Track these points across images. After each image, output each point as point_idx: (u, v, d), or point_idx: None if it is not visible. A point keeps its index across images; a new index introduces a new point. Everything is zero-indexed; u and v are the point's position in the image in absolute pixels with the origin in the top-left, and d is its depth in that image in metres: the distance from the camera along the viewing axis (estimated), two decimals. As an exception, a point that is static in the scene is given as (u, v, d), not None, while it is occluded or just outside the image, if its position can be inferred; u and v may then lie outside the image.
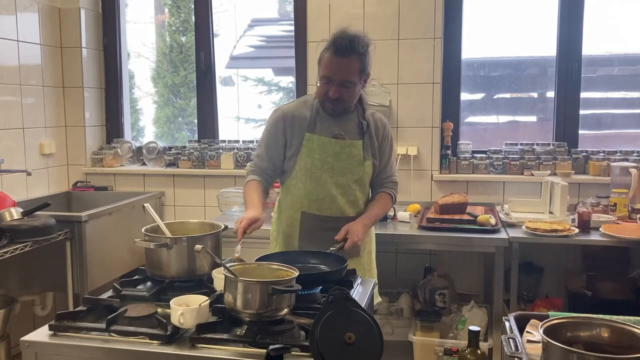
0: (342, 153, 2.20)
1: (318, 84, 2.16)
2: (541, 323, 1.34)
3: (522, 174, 3.39)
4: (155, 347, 1.48)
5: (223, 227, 1.96)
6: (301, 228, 2.25)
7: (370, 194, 2.38)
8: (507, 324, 1.55)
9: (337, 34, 2.09)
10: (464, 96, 3.62)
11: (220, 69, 3.93)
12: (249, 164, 2.37)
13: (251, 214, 2.02)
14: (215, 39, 3.85)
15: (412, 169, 3.46)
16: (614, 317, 1.39)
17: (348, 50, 2.04)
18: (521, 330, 1.51)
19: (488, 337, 2.91)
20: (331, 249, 2.04)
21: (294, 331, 1.51)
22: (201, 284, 1.82)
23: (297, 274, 1.57)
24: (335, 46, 2.06)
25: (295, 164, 2.21)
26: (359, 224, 2.16)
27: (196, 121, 3.94)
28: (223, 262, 1.64)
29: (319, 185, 2.20)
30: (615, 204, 2.98)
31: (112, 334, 1.53)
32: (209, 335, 1.49)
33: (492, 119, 3.75)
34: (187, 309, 1.52)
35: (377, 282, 2.27)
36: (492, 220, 2.86)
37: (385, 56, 3.45)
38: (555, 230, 2.73)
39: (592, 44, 3.44)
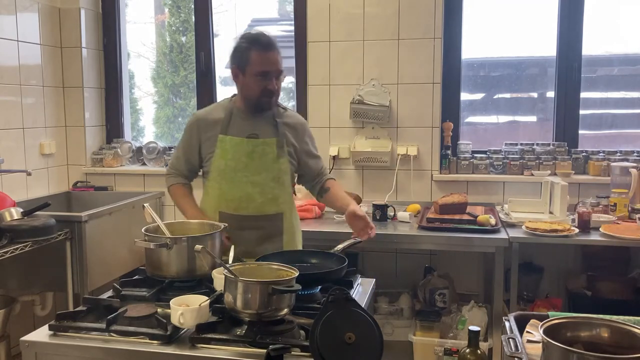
0: (255, 152, 2.24)
1: (248, 83, 2.20)
2: (541, 323, 1.34)
3: (522, 174, 3.39)
4: (155, 347, 1.48)
5: (223, 227, 1.96)
6: None
7: (313, 190, 2.42)
8: (507, 324, 1.55)
9: (251, 34, 2.20)
10: (464, 96, 3.62)
11: (220, 69, 3.93)
12: (167, 168, 2.45)
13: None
14: (215, 39, 3.85)
15: (412, 169, 3.46)
16: (614, 317, 1.39)
17: (273, 45, 2.18)
18: (521, 330, 1.51)
19: (488, 337, 2.91)
20: (336, 248, 2.04)
21: (294, 331, 1.51)
22: (201, 284, 1.82)
23: (297, 274, 1.57)
24: (262, 43, 2.16)
25: (211, 165, 2.27)
26: (358, 212, 2.14)
27: (196, 121, 3.93)
28: (223, 262, 1.64)
29: (234, 185, 2.24)
30: (615, 204, 2.98)
31: (112, 334, 1.53)
32: (209, 335, 1.49)
33: (492, 119, 3.75)
34: (187, 309, 1.52)
35: None
36: (492, 220, 2.86)
37: (385, 56, 3.45)
38: (555, 230, 2.73)
39: (592, 44, 3.44)
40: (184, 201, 2.33)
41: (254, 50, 2.15)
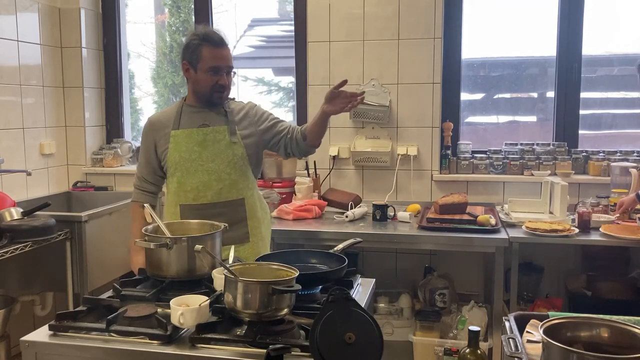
0: (206, 140, 2.29)
1: (200, 79, 2.27)
2: (541, 323, 1.34)
3: (522, 174, 3.39)
4: (155, 347, 1.48)
5: (223, 227, 1.96)
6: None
7: (298, 147, 2.38)
8: (507, 324, 1.55)
9: (202, 30, 2.27)
10: (464, 96, 3.61)
11: (220, 69, 3.92)
12: (134, 179, 2.47)
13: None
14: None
15: (412, 169, 3.46)
16: (614, 317, 1.39)
17: (224, 42, 2.27)
18: (521, 330, 1.51)
19: (488, 337, 2.91)
20: (336, 248, 2.04)
21: (294, 331, 1.51)
22: (201, 284, 1.82)
23: (297, 274, 1.57)
24: (214, 40, 2.24)
25: (167, 162, 2.32)
26: (331, 92, 2.24)
27: (196, 121, 3.94)
28: (223, 262, 1.64)
29: (190, 174, 2.28)
30: (615, 204, 2.98)
31: (112, 334, 1.53)
32: (209, 335, 1.49)
33: (492, 119, 3.75)
34: (187, 309, 1.52)
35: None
36: (492, 220, 2.86)
37: (385, 56, 3.45)
38: (555, 230, 2.73)
39: (592, 44, 3.44)
40: (133, 225, 2.40)
41: (205, 46, 2.23)
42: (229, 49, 2.29)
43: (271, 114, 2.43)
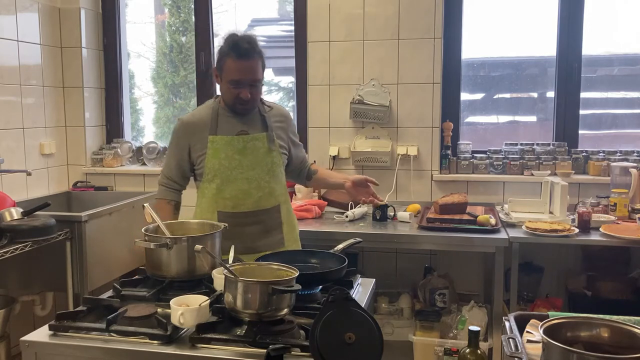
0: (246, 148, 2.25)
1: (223, 89, 2.24)
2: (541, 323, 1.34)
3: (522, 174, 3.39)
4: (155, 347, 1.48)
5: (223, 227, 1.96)
6: None
7: (299, 177, 2.53)
8: (507, 324, 1.55)
9: (234, 38, 2.17)
10: (464, 96, 3.62)
11: (220, 69, 3.92)
12: (159, 178, 2.42)
13: None
14: (215, 39, 3.85)
15: (412, 169, 3.46)
16: (614, 317, 1.39)
17: (250, 53, 2.15)
18: (521, 330, 1.51)
19: (488, 337, 2.91)
20: (336, 248, 2.04)
21: (294, 331, 1.51)
22: (201, 284, 1.82)
23: (297, 274, 1.57)
24: (238, 51, 2.14)
25: (204, 167, 2.26)
26: (358, 178, 2.35)
27: (196, 121, 3.93)
28: (223, 262, 1.64)
29: (230, 183, 2.25)
30: (615, 204, 2.98)
31: (112, 334, 1.53)
32: (209, 335, 1.49)
33: (492, 119, 3.75)
34: (187, 309, 1.52)
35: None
36: (492, 220, 2.86)
37: (385, 56, 3.45)
38: (555, 230, 2.73)
39: (592, 44, 3.44)
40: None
41: (230, 56, 2.15)
42: (258, 60, 2.17)
43: (297, 135, 2.49)
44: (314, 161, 2.51)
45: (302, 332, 1.53)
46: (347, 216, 3.12)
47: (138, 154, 3.96)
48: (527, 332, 1.50)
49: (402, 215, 3.07)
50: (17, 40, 3.38)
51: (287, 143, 2.39)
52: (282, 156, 2.34)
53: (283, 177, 2.37)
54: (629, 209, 2.97)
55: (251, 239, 2.24)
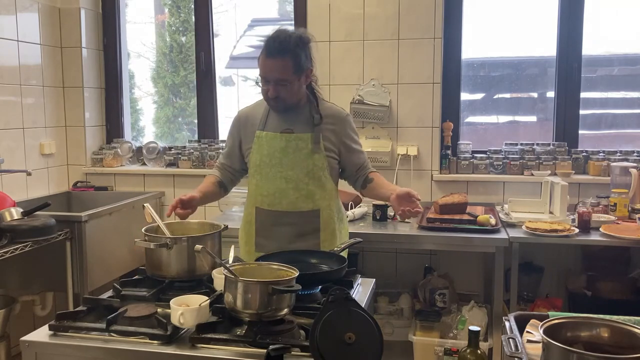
0: (288, 147, 2.20)
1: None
2: (541, 323, 1.34)
3: (522, 174, 3.39)
4: (155, 347, 1.48)
5: (223, 227, 1.96)
6: (256, 223, 2.28)
7: (355, 184, 2.34)
8: (507, 324, 1.55)
9: (271, 35, 2.13)
10: (464, 96, 3.61)
11: (220, 69, 3.93)
12: (217, 161, 2.45)
13: (186, 195, 2.11)
14: (215, 39, 3.85)
15: (412, 169, 3.46)
16: (614, 317, 1.39)
17: (279, 51, 2.08)
18: (521, 330, 1.51)
19: (488, 337, 2.91)
20: (336, 248, 2.04)
21: (294, 331, 1.51)
22: (201, 284, 1.82)
23: (297, 274, 1.57)
24: (267, 48, 2.11)
25: (249, 161, 2.27)
26: (403, 191, 2.06)
27: (196, 121, 3.94)
28: (223, 262, 1.64)
29: (269, 180, 2.22)
30: (615, 204, 2.98)
31: (112, 334, 1.53)
32: (209, 335, 1.49)
33: (492, 119, 3.75)
34: (187, 309, 1.52)
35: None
36: (492, 220, 2.86)
37: (385, 56, 3.45)
38: (555, 230, 2.73)
39: (592, 44, 3.44)
40: (201, 185, 2.32)
41: (262, 53, 2.12)
42: (287, 59, 2.08)
43: (357, 137, 2.33)
44: (375, 171, 2.34)
45: (302, 332, 1.53)
46: (347, 216, 3.11)
47: (138, 154, 3.96)
48: (527, 332, 1.50)
49: (402, 215, 3.07)
50: (17, 40, 3.38)
51: (338, 147, 2.26)
52: (327, 160, 2.22)
53: (328, 181, 2.25)
54: (629, 209, 2.97)
55: (283, 240, 2.19)
